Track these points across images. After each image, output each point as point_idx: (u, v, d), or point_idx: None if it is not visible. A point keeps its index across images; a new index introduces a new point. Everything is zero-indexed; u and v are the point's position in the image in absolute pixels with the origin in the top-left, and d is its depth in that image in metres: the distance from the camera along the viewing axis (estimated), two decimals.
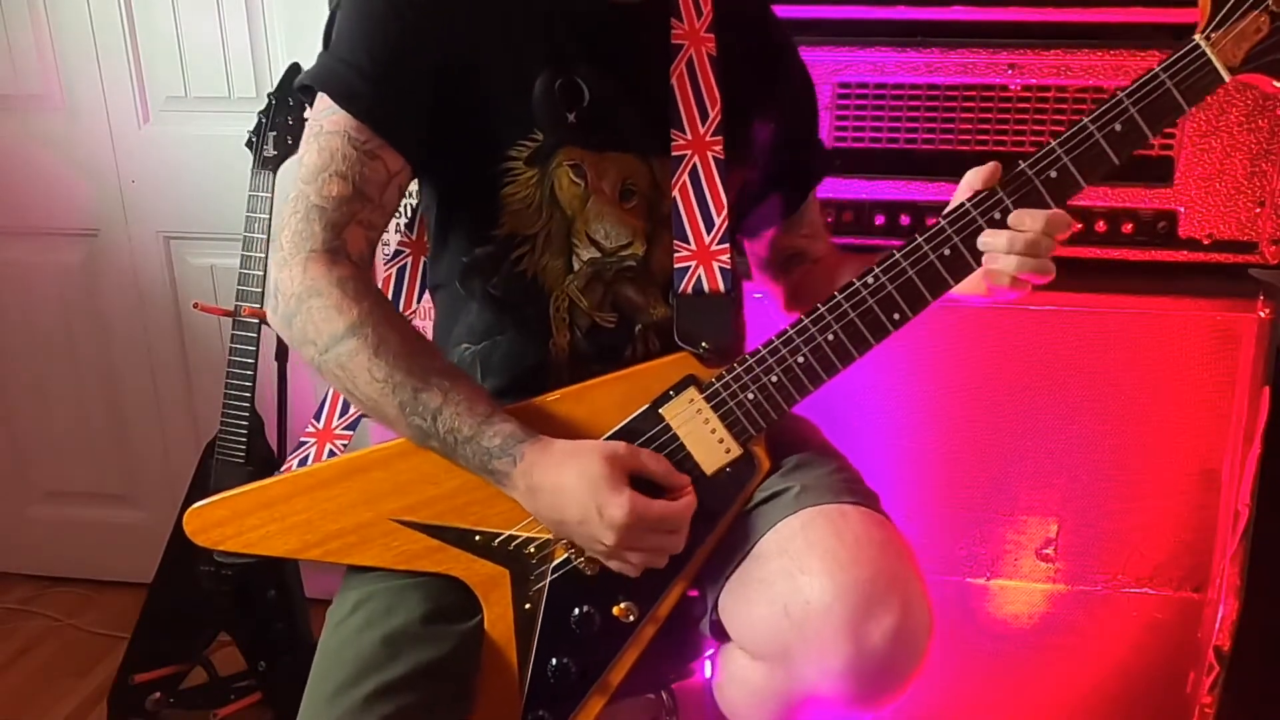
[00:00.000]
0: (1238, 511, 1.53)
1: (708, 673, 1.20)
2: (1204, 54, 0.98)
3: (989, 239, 1.01)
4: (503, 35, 1.07)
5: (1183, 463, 1.53)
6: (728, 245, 1.12)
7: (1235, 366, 1.49)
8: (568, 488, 0.96)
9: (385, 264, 1.24)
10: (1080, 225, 1.52)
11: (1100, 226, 1.52)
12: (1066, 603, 1.60)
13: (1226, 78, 0.99)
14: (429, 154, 1.07)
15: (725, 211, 1.12)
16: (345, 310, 0.98)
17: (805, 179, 1.31)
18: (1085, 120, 1.00)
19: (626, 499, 0.94)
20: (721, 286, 1.11)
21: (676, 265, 1.12)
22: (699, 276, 1.11)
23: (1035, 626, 1.62)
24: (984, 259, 1.03)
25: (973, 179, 1.04)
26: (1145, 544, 1.56)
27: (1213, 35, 0.98)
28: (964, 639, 1.61)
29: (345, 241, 1.02)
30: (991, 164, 1.03)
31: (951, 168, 1.51)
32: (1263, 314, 1.47)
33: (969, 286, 1.06)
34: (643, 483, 0.98)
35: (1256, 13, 0.97)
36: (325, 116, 1.03)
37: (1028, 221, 1.00)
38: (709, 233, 1.12)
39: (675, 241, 1.12)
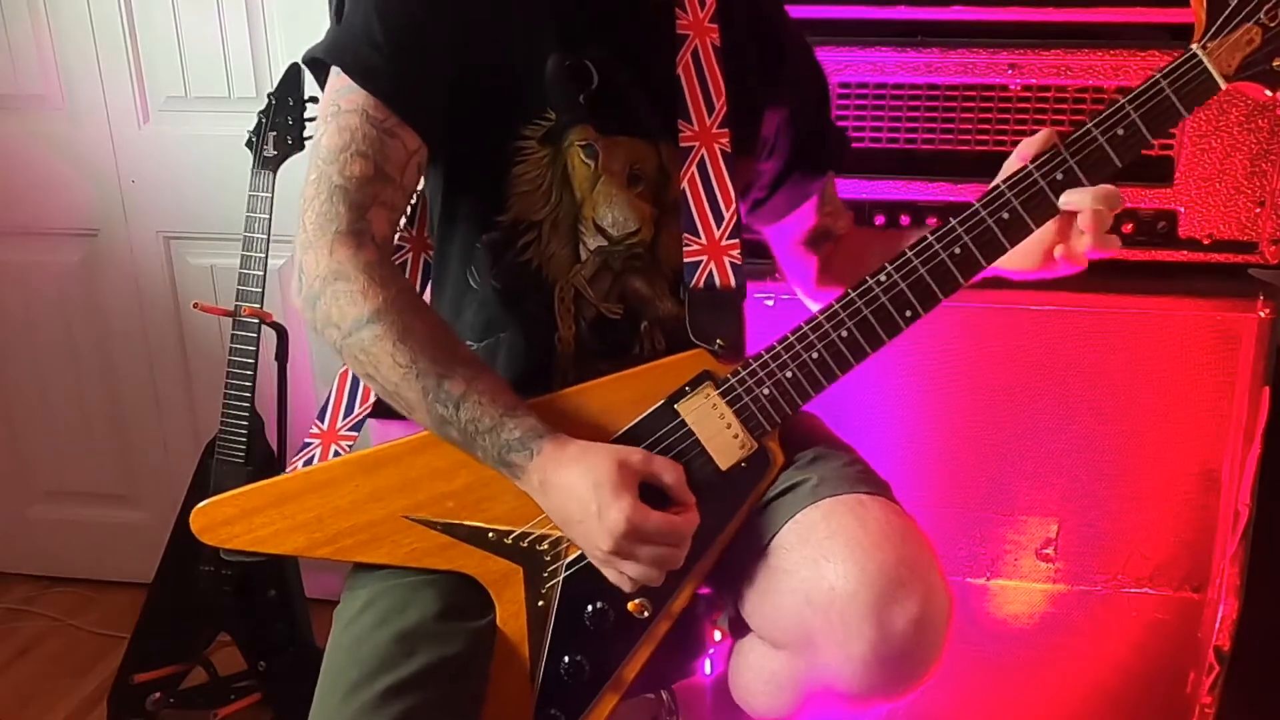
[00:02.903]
0: (1238, 511, 1.53)
1: (708, 670, 1.21)
2: (1201, 62, 1.01)
3: (1071, 196, 1.01)
4: (518, 13, 1.07)
5: (1183, 463, 1.54)
6: (738, 240, 1.13)
7: (1235, 366, 1.49)
8: (574, 486, 0.96)
9: None
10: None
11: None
12: (1066, 603, 1.60)
13: (1222, 85, 1.01)
14: (445, 132, 1.07)
15: (734, 206, 1.12)
16: (370, 296, 0.97)
17: (823, 161, 1.31)
18: (1089, 124, 1.02)
19: (627, 505, 0.94)
20: (733, 282, 1.12)
21: (687, 260, 1.12)
22: (710, 271, 1.12)
23: (1035, 626, 1.62)
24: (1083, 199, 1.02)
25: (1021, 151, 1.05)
26: (1145, 544, 1.57)
27: (1208, 45, 1.01)
28: (964, 639, 1.61)
29: (370, 223, 1.01)
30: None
31: (951, 168, 1.53)
32: (1263, 314, 1.47)
33: (1020, 261, 1.06)
34: (655, 495, 0.98)
35: (1249, 24, 1.00)
36: (342, 95, 1.02)
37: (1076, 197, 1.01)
38: (719, 227, 1.12)
39: (685, 235, 1.12)
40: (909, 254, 1.04)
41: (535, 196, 1.10)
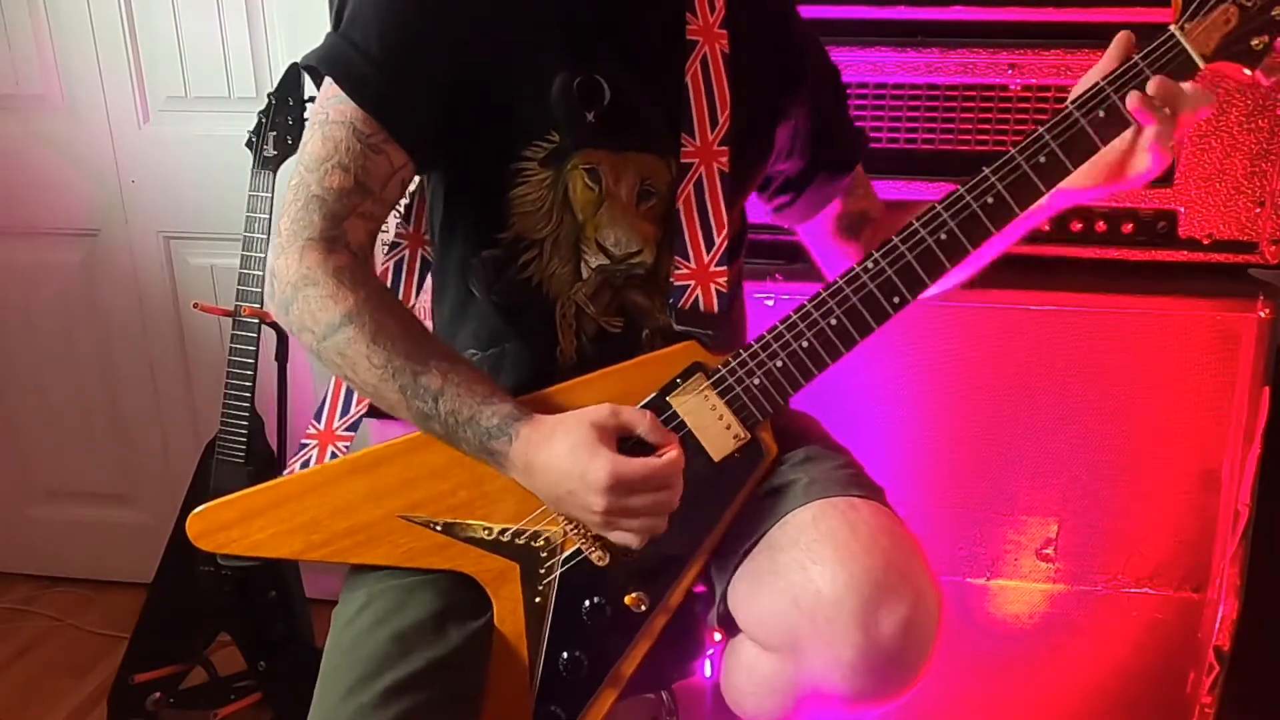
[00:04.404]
0: (1238, 511, 1.53)
1: (708, 672, 1.21)
2: (1178, 43, 1.01)
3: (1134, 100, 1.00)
4: (522, 33, 1.06)
5: (1183, 463, 1.53)
6: (725, 268, 1.12)
7: (1235, 366, 1.49)
8: (556, 460, 0.96)
9: (383, 257, 1.23)
10: (1080, 224, 1.52)
11: (1100, 226, 1.52)
12: (1066, 603, 1.60)
13: (1201, 65, 1.01)
14: (441, 150, 1.07)
15: (725, 231, 1.12)
16: (341, 299, 0.98)
17: (846, 158, 1.30)
18: (1070, 107, 1.03)
19: (607, 459, 0.94)
20: (716, 308, 1.12)
21: (676, 282, 1.12)
22: (696, 297, 1.12)
23: (1035, 626, 1.62)
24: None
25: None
26: (1145, 544, 1.57)
27: (1186, 25, 1.01)
28: (964, 639, 1.61)
29: (345, 232, 1.01)
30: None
31: (951, 168, 1.53)
32: (1263, 314, 1.47)
33: (1087, 178, 1.05)
34: (637, 449, 0.99)
35: (1226, 4, 1.01)
36: (332, 105, 1.02)
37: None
38: (708, 252, 1.12)
39: (676, 258, 1.12)
40: (896, 240, 1.04)
41: (536, 216, 1.09)
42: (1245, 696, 1.63)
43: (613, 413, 0.99)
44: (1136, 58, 1.02)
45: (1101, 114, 1.02)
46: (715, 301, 1.12)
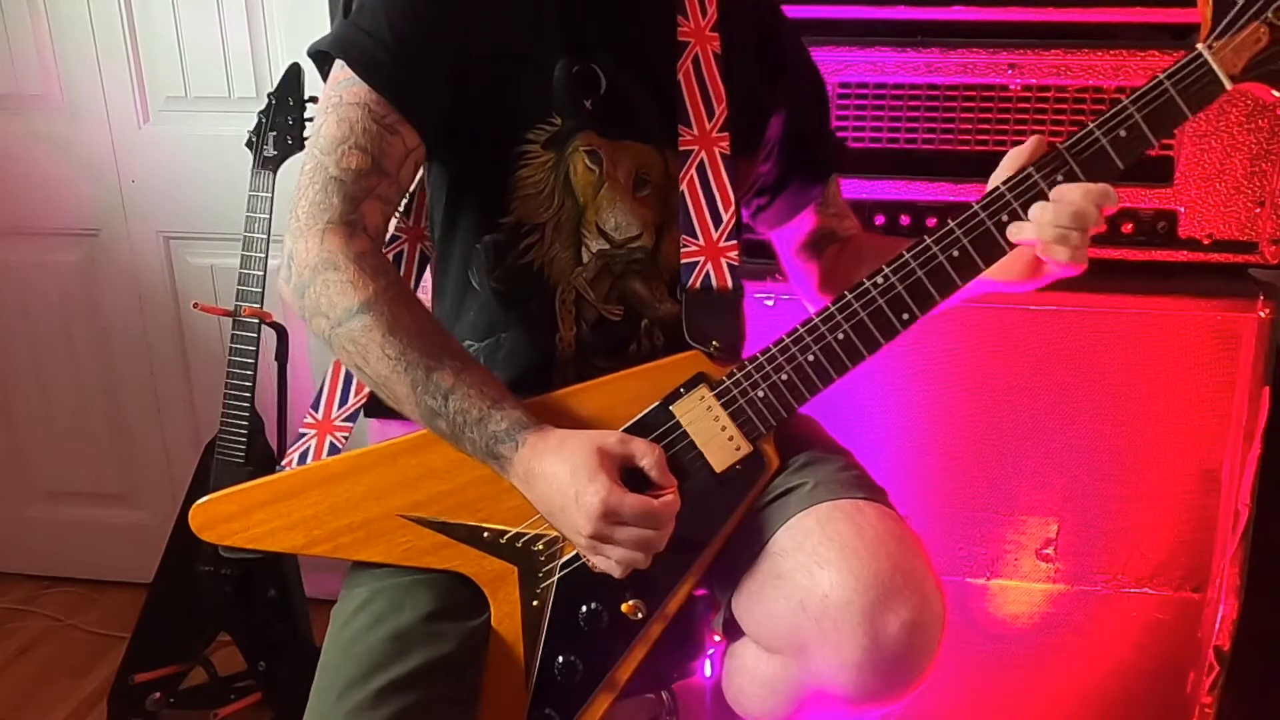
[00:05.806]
0: (1238, 511, 1.53)
1: (708, 672, 1.21)
2: (1206, 62, 0.99)
3: (1036, 212, 1.00)
4: (526, 19, 1.08)
5: (1183, 463, 1.54)
6: (735, 242, 1.13)
7: (1235, 366, 1.49)
8: (554, 474, 0.96)
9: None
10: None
11: (1100, 226, 1.51)
12: (1066, 603, 1.60)
13: (1228, 85, 0.99)
14: (448, 133, 1.08)
15: (733, 208, 1.13)
16: (361, 286, 0.97)
17: (821, 167, 1.31)
18: (1091, 126, 1.01)
19: (603, 486, 0.93)
20: (729, 283, 1.12)
21: (684, 261, 1.12)
22: (707, 272, 1.12)
23: (1035, 626, 1.62)
24: (1031, 232, 1.00)
25: (1015, 157, 1.04)
26: (1145, 544, 1.57)
27: (1214, 44, 0.99)
28: (964, 639, 1.61)
29: (363, 215, 1.01)
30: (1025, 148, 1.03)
31: (951, 168, 1.53)
32: (1263, 314, 1.47)
33: (1007, 271, 1.05)
34: (640, 480, 0.98)
35: (1256, 23, 0.98)
36: (345, 87, 1.03)
37: (1069, 194, 0.99)
38: (716, 228, 1.12)
39: (683, 237, 1.12)
40: (906, 256, 1.03)
41: (538, 200, 1.10)
42: (1245, 696, 1.63)
43: (621, 441, 0.99)
44: (1161, 76, 0.99)
45: (1123, 133, 0.99)
46: (728, 277, 1.12)
